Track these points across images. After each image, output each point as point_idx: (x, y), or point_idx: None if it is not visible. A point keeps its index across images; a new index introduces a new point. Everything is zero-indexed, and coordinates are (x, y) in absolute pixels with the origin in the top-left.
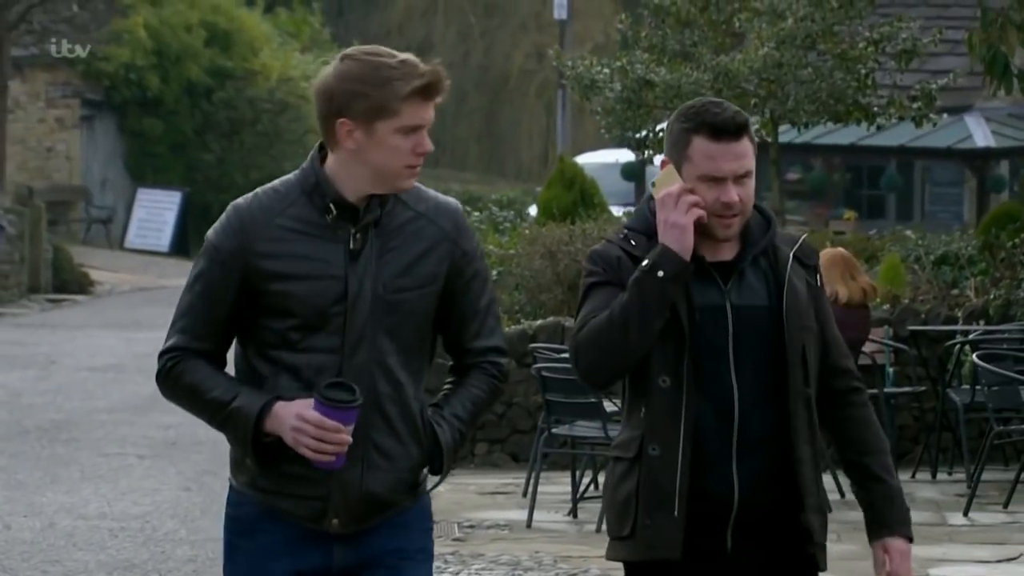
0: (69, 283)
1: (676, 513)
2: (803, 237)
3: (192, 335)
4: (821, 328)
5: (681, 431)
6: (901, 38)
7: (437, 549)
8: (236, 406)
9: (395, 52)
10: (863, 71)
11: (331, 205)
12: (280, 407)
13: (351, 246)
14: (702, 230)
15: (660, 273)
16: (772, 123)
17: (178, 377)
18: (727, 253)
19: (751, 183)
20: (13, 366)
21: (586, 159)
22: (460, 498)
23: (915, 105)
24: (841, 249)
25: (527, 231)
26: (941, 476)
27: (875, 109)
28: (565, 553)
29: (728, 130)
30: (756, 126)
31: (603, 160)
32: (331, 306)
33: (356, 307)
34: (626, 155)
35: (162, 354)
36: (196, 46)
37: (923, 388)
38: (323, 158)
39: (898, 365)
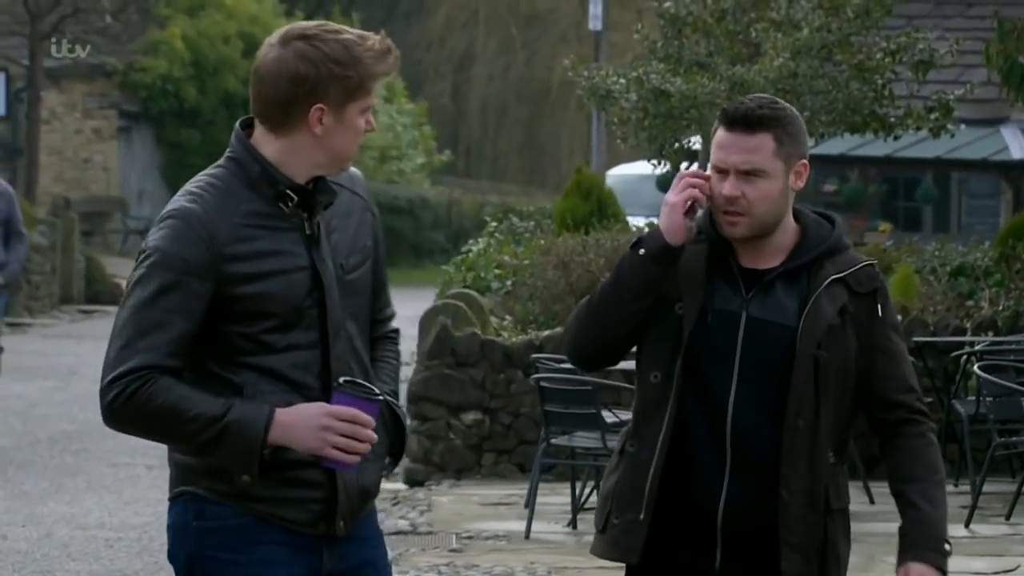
0: (102, 294)
1: (642, 516)
2: (863, 263)
3: (163, 353)
4: (870, 361)
5: (662, 432)
6: (918, 48)
7: (432, 560)
8: (233, 419)
9: (342, 26)
10: (880, 82)
11: (288, 192)
12: (283, 414)
13: (307, 232)
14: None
15: (641, 251)
16: None
17: (148, 400)
18: (767, 262)
19: (764, 185)
20: (34, 377)
21: (622, 171)
22: (461, 509)
23: (932, 116)
24: None
25: (542, 241)
26: (947, 488)
27: (892, 120)
28: (561, 564)
29: (740, 121)
30: None
31: (639, 171)
32: (305, 299)
33: (331, 295)
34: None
35: (119, 378)
36: (234, 57)
37: (929, 399)
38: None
39: None
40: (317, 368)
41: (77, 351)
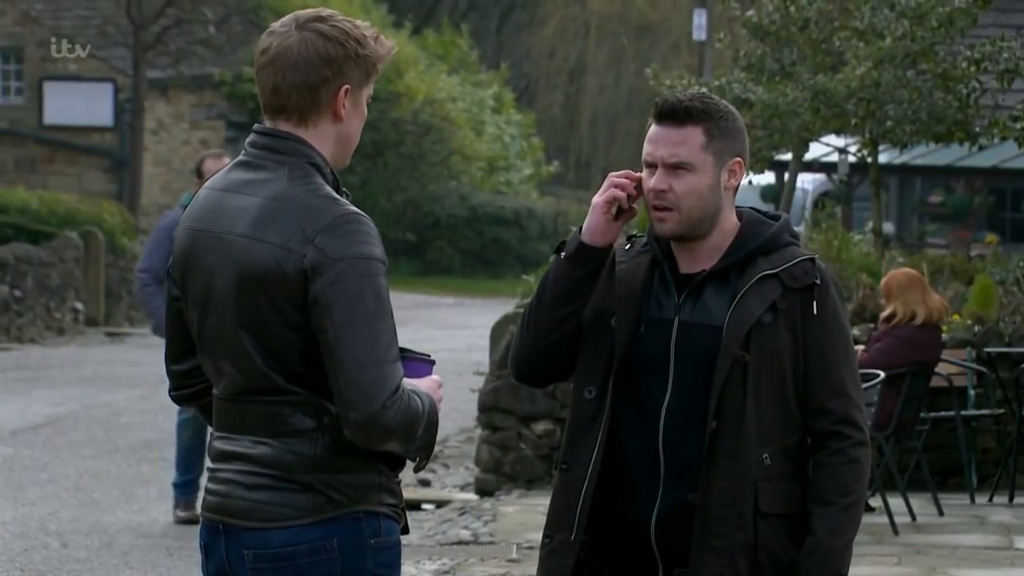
0: None
1: (572, 536)
2: (801, 258)
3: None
4: (805, 361)
5: (595, 450)
6: (1003, 57)
7: (489, 570)
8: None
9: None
10: (964, 91)
11: (345, 191)
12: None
13: None
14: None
15: (563, 254)
16: (872, 143)
17: (410, 406)
18: (702, 265)
19: (691, 179)
20: (123, 386)
21: None
22: (526, 519)
23: (1018, 125)
24: (913, 270)
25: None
26: (1019, 499)
27: (976, 129)
28: None
29: (668, 114)
30: (856, 146)
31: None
32: None
33: None
34: (766, 177)
35: (396, 391)
36: None
37: (1001, 411)
38: None
39: (981, 387)
40: None
41: None
